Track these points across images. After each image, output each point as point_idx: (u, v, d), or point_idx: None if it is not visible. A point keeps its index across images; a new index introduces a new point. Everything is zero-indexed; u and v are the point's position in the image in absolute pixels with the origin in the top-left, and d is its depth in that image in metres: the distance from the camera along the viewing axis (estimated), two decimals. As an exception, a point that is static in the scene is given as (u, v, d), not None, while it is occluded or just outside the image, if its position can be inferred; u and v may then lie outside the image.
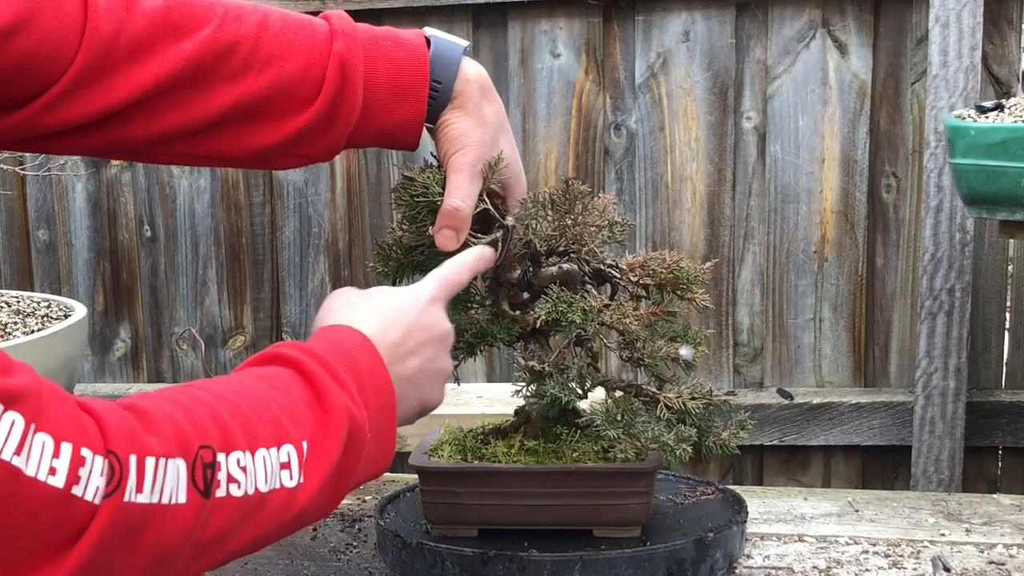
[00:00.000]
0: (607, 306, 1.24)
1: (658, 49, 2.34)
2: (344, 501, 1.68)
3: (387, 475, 1.93)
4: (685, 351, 1.26)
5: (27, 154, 2.43)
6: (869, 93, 2.28)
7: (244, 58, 1.04)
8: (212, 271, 2.58)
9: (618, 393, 1.29)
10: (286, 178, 2.52)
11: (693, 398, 1.26)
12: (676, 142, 2.36)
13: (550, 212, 1.24)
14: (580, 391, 1.28)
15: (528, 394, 1.30)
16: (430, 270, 1.13)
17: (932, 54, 2.13)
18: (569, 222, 1.24)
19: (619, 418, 1.23)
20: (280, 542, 1.51)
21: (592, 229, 1.25)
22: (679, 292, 1.29)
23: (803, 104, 2.30)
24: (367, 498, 1.69)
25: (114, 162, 2.59)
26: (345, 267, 2.53)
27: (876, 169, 2.30)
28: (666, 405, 1.24)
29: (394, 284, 1.32)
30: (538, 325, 1.26)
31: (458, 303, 1.31)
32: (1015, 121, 1.62)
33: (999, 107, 1.69)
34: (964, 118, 1.68)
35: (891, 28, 2.26)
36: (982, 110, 1.69)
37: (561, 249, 1.26)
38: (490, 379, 2.50)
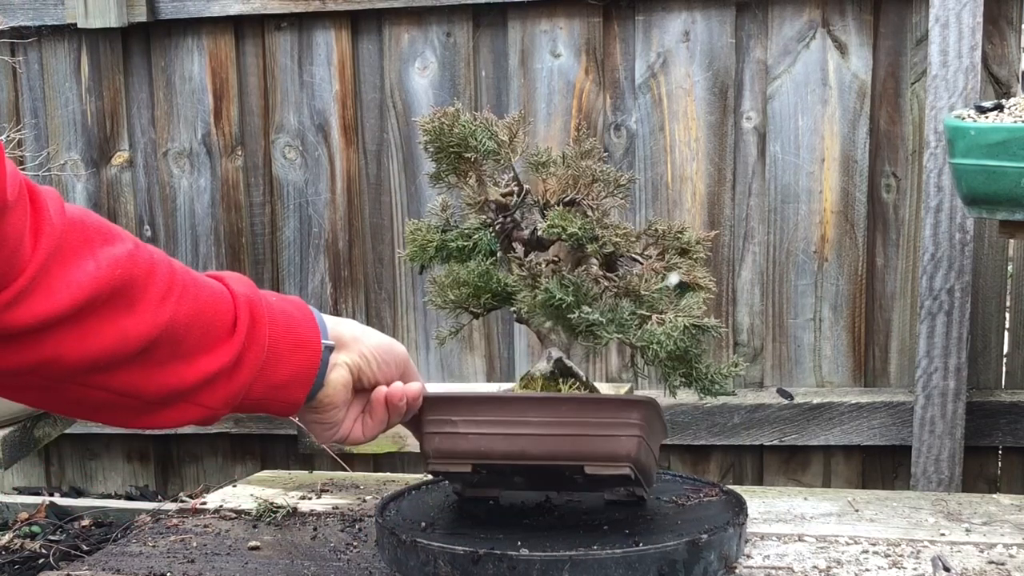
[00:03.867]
0: (605, 225, 1.27)
1: (658, 49, 2.34)
2: (344, 501, 1.68)
3: (388, 475, 1.93)
4: (673, 277, 1.28)
5: (27, 153, 2.43)
6: (869, 93, 2.28)
7: (167, 281, 1.00)
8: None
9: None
10: (286, 178, 2.52)
11: (685, 316, 1.27)
12: (676, 142, 2.36)
13: (561, 167, 1.27)
14: (576, 295, 1.28)
15: (528, 299, 1.30)
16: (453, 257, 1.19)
17: (932, 54, 2.13)
18: (578, 174, 1.28)
19: (612, 314, 1.25)
20: (280, 542, 1.51)
21: (599, 184, 1.28)
22: (683, 252, 1.32)
23: (803, 104, 2.30)
24: (367, 498, 1.69)
25: (114, 161, 2.59)
26: (345, 267, 2.53)
27: (876, 169, 2.31)
28: (658, 322, 1.25)
29: (421, 272, 1.37)
30: (538, 235, 1.29)
31: (464, 255, 1.34)
32: (1015, 121, 1.62)
33: (999, 107, 1.69)
34: (964, 118, 1.68)
35: (891, 28, 2.26)
36: (982, 110, 1.69)
37: (568, 200, 1.29)
38: (490, 379, 2.50)
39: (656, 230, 1.32)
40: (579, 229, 1.23)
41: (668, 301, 1.28)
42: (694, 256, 1.32)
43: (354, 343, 1.17)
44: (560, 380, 1.34)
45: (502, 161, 1.29)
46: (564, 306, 1.28)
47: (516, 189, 1.28)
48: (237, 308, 1.07)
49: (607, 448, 1.28)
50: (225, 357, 1.04)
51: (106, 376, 0.98)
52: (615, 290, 1.28)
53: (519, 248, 1.32)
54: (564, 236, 1.25)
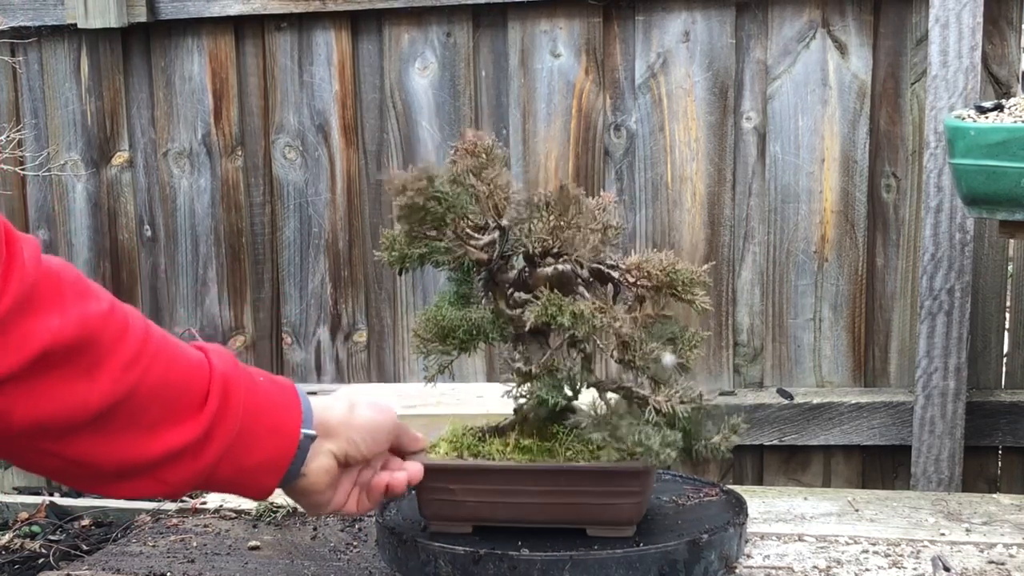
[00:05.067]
0: (601, 309, 1.24)
1: (658, 49, 2.34)
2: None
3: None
4: (668, 358, 1.26)
5: (27, 153, 2.43)
6: (869, 93, 2.28)
7: (137, 346, 0.96)
8: (212, 271, 2.58)
9: (610, 395, 1.29)
10: (286, 178, 2.52)
11: (683, 402, 1.26)
12: (676, 142, 2.36)
13: (545, 214, 1.25)
14: (570, 393, 1.28)
15: (519, 394, 1.31)
16: (433, 260, 1.17)
17: (932, 54, 2.13)
18: (563, 224, 1.25)
19: (606, 421, 1.24)
20: (280, 542, 1.51)
21: (585, 232, 1.25)
22: (676, 293, 1.29)
23: (803, 104, 2.30)
24: (367, 498, 1.69)
25: (114, 161, 2.59)
26: (345, 267, 2.53)
27: (876, 169, 2.31)
28: (655, 408, 1.24)
29: (400, 274, 1.34)
30: (528, 327, 1.27)
31: (457, 301, 1.31)
32: (1015, 121, 1.62)
33: (999, 107, 1.69)
34: (964, 118, 1.68)
35: (891, 28, 2.26)
36: (982, 110, 1.69)
37: (555, 251, 1.27)
38: (490, 379, 2.50)
39: (648, 272, 1.29)
40: (568, 320, 1.22)
41: (674, 382, 1.27)
42: (690, 297, 1.29)
43: (342, 429, 1.13)
44: (556, 419, 1.32)
45: (482, 211, 1.26)
46: (559, 409, 1.28)
47: (497, 236, 1.25)
48: (211, 382, 1.02)
49: (609, 515, 1.28)
50: (192, 432, 0.99)
51: (58, 443, 0.93)
52: (612, 358, 1.26)
53: (504, 286, 1.30)
54: (554, 326, 1.24)
